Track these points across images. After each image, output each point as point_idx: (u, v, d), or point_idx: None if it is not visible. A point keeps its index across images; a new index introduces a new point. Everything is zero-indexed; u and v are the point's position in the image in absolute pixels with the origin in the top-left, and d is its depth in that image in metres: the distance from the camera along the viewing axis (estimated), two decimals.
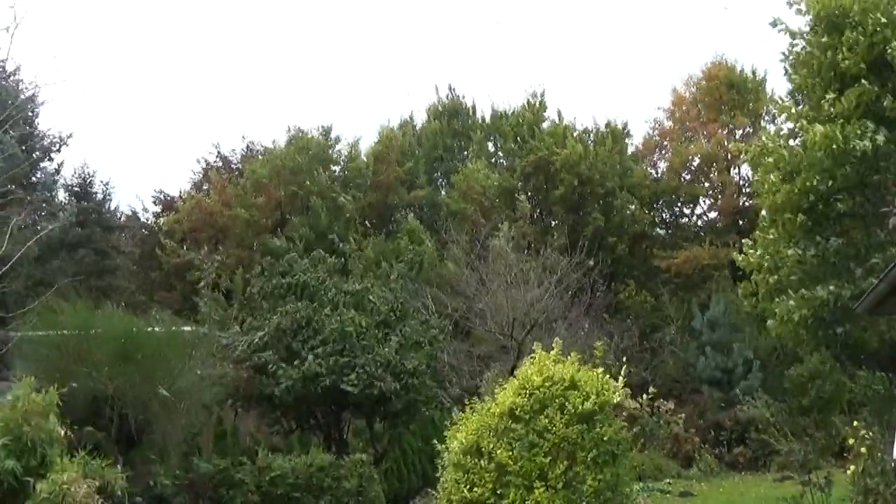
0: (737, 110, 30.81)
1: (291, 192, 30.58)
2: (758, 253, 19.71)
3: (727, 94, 30.90)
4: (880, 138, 17.25)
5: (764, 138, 20.46)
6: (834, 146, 17.35)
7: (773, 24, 19.45)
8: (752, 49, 56.54)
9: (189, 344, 14.94)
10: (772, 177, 19.13)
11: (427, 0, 51.74)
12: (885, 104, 17.60)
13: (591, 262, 23.23)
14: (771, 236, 19.48)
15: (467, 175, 30.58)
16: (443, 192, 32.42)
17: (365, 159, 32.76)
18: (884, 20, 17.49)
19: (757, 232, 20.55)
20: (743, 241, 21.66)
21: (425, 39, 54.98)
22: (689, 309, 27.49)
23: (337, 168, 32.71)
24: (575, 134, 31.76)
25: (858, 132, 17.36)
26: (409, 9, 52.24)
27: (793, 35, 19.58)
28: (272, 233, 29.67)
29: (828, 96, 18.13)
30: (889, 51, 17.27)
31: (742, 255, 20.50)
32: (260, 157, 32.96)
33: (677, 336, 27.32)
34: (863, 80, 17.70)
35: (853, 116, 17.81)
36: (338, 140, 33.31)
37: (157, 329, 14.74)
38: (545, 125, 32.54)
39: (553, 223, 30.94)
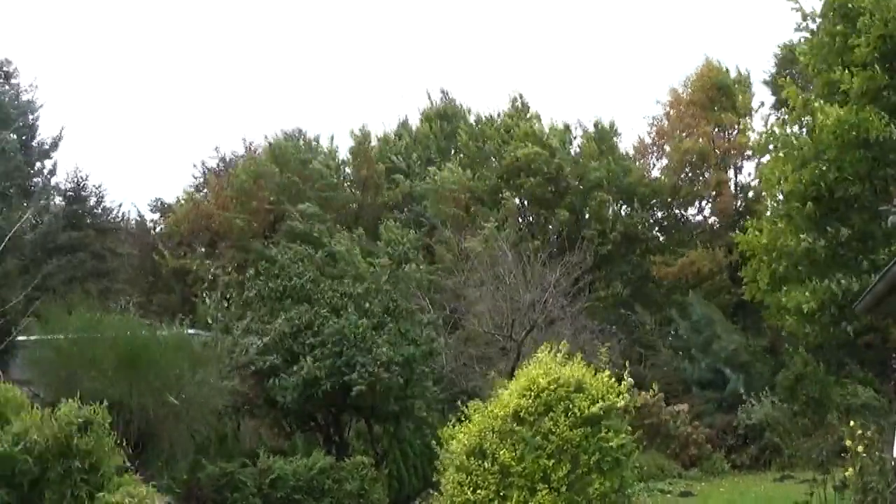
0: (726, 112, 30.93)
1: (271, 200, 30.84)
2: (763, 241, 19.59)
3: (716, 95, 31.04)
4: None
5: (774, 127, 20.38)
6: (847, 129, 17.15)
7: None
8: (741, 49, 56.61)
9: (196, 351, 14.91)
10: (780, 165, 18.95)
11: (423, 5, 51.83)
12: (890, 94, 17.53)
13: (572, 260, 23.12)
14: (779, 226, 19.31)
15: (443, 178, 30.66)
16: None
17: (342, 159, 33.38)
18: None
19: (763, 220, 20.42)
20: (747, 222, 21.53)
21: (421, 43, 55.09)
22: (672, 312, 27.55)
23: (313, 169, 32.58)
24: (549, 133, 31.97)
25: (874, 119, 17.17)
26: (406, 14, 52.29)
27: (804, 17, 19.57)
28: (265, 237, 29.78)
29: (837, 75, 17.92)
30: None
31: (744, 235, 20.37)
32: (241, 162, 33.10)
33: (663, 339, 27.44)
34: (875, 67, 17.59)
35: (863, 102, 17.66)
36: (314, 144, 33.42)
37: (165, 334, 14.69)
38: (521, 126, 32.52)
39: (529, 221, 30.99)
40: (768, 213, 20.35)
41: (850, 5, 18.18)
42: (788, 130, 19.49)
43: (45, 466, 9.53)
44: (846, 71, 17.95)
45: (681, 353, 26.20)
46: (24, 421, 9.73)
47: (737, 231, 23.20)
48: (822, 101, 18.11)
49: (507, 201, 29.55)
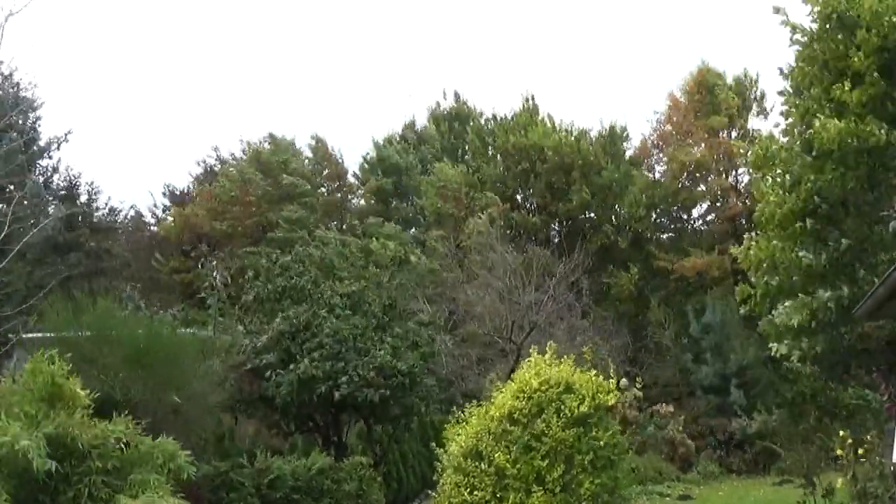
0: (720, 116, 30.94)
1: (253, 209, 31.10)
2: (760, 254, 19.49)
3: (711, 100, 31.02)
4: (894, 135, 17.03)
5: (767, 139, 20.22)
6: (849, 140, 17.06)
7: (776, 11, 19.23)
8: (742, 50, 56.52)
9: (200, 348, 14.95)
10: (778, 180, 18.80)
11: (430, 7, 51.88)
12: (890, 106, 17.42)
13: (581, 253, 23.05)
14: (775, 242, 19.24)
15: (438, 173, 30.73)
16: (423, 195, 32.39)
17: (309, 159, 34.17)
18: None
19: (758, 234, 20.30)
20: (745, 235, 21.48)
21: (429, 45, 55.08)
22: (684, 313, 27.41)
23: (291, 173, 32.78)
24: (566, 130, 32.07)
25: (871, 129, 17.12)
26: (411, 13, 52.35)
27: (794, 29, 19.40)
28: (254, 242, 29.96)
29: (838, 89, 17.79)
30: None
31: (742, 249, 20.28)
32: (225, 170, 33.43)
33: (672, 340, 27.31)
34: (874, 76, 17.47)
35: (862, 114, 17.58)
36: (289, 146, 33.81)
37: (170, 332, 14.73)
38: (533, 128, 32.55)
39: (539, 215, 31.00)
40: (762, 228, 20.26)
41: (848, 13, 18.05)
42: (785, 140, 19.43)
43: (62, 462, 9.04)
44: (844, 83, 17.89)
45: (691, 354, 26.01)
46: (64, 421, 9.12)
47: (734, 243, 23.13)
48: (821, 116, 18.05)
49: (491, 199, 29.52)
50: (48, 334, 14.05)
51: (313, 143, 34.55)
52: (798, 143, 18.77)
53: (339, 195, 34.61)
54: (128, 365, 13.08)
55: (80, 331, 13.42)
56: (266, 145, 33.68)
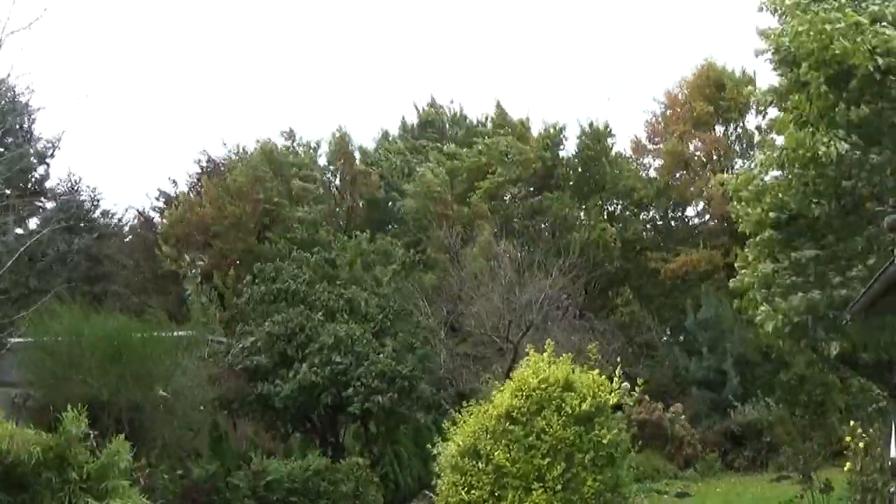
0: (723, 114, 31.00)
1: (267, 200, 31.06)
2: (746, 279, 19.97)
3: (716, 96, 31.05)
4: (843, 145, 17.42)
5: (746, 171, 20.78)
6: (802, 151, 17.49)
7: (757, 55, 19.81)
8: (742, 48, 56.53)
9: (177, 346, 14.91)
10: (744, 202, 19.36)
11: (424, 6, 51.88)
12: (840, 111, 17.77)
13: (581, 275, 23.11)
14: (750, 257, 19.70)
15: (425, 175, 30.74)
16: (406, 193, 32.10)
17: (325, 161, 33.90)
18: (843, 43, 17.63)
19: (745, 251, 20.75)
20: (736, 262, 21.87)
21: (419, 43, 55.03)
22: (681, 310, 27.37)
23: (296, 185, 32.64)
24: (542, 135, 32.18)
25: (825, 140, 17.52)
26: (404, 14, 52.33)
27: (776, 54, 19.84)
28: (257, 237, 29.83)
29: (794, 96, 18.18)
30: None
31: (735, 280, 20.79)
32: (238, 163, 33.33)
33: (667, 338, 27.33)
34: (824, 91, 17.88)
35: (820, 125, 17.95)
36: (302, 144, 33.77)
37: (145, 332, 14.71)
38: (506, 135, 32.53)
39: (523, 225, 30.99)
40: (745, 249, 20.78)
41: (794, 54, 18.39)
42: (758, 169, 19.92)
43: (40, 473, 9.07)
44: (805, 99, 18.27)
45: (685, 351, 25.95)
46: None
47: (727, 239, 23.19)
48: (791, 126, 18.45)
49: (475, 207, 29.42)
50: (28, 339, 14.10)
51: (337, 135, 33.86)
52: (772, 165, 19.18)
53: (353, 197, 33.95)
54: (107, 366, 13.07)
55: (56, 336, 13.43)
56: (283, 142, 33.46)
